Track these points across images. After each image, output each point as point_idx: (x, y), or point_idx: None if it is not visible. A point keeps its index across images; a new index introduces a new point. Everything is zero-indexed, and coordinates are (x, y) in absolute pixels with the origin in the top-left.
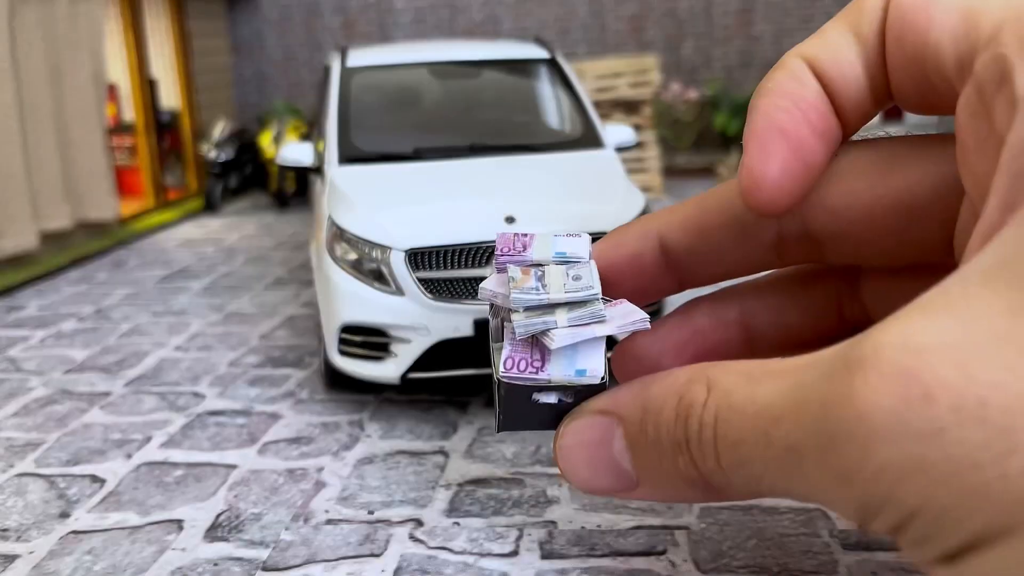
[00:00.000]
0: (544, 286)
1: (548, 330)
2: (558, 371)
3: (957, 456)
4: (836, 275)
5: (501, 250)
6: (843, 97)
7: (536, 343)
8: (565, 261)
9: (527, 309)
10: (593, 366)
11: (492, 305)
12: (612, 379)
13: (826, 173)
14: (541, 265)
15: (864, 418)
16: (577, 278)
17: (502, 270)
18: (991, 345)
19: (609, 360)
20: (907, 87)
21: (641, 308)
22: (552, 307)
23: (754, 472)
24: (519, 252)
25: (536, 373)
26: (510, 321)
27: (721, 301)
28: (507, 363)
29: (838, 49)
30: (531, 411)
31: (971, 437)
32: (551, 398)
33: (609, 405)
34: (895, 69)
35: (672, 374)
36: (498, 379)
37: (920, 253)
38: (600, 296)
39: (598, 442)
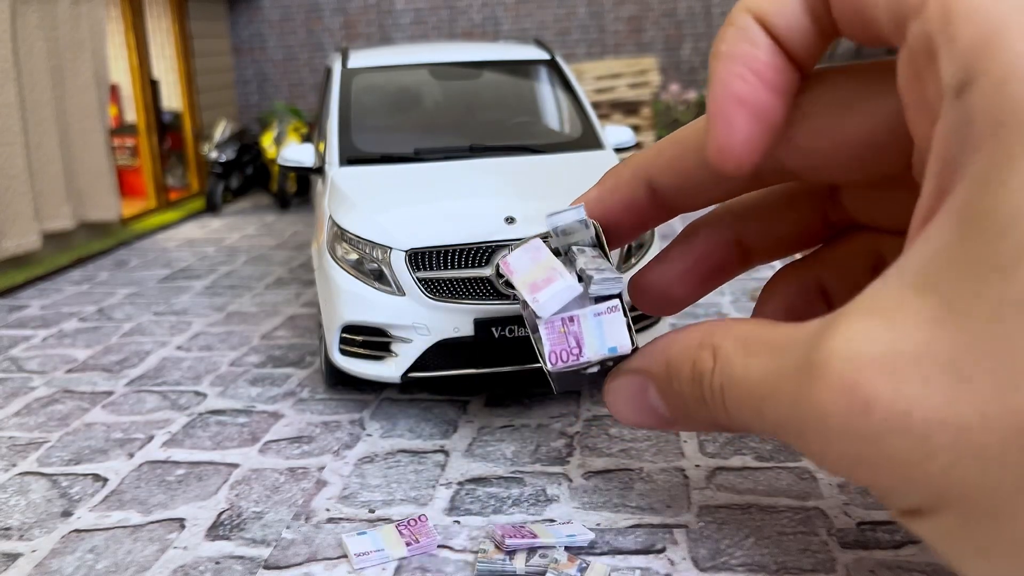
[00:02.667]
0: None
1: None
2: (594, 352)
3: (892, 456)
4: (817, 189)
5: (557, 357)
6: (792, 43)
7: (568, 333)
8: (601, 298)
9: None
10: (621, 341)
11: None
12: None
13: (793, 113)
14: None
15: (822, 420)
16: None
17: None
18: (914, 358)
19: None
20: (854, 30)
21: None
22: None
23: (755, 428)
24: (574, 354)
25: (577, 359)
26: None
27: (716, 225)
28: (551, 357)
29: (783, 4)
30: (579, 379)
31: (900, 443)
32: (594, 368)
33: (641, 365)
34: (840, 15)
35: (686, 336)
36: (548, 371)
37: (886, 171)
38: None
39: (637, 393)
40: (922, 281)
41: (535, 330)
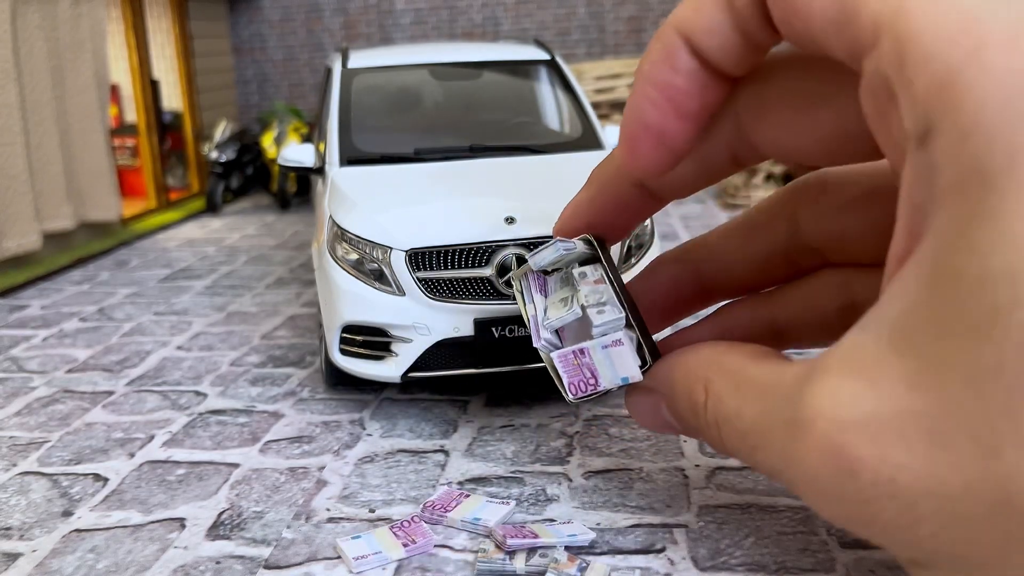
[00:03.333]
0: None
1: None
2: (609, 382)
3: (882, 518)
4: (781, 228)
5: (576, 388)
6: (720, 60)
7: (581, 365)
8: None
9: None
10: (631, 372)
11: (521, 295)
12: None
13: (758, 103)
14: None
15: (812, 481)
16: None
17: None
18: (896, 423)
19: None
20: (807, 47)
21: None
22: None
23: (753, 468)
24: (591, 384)
25: (595, 388)
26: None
27: (678, 262)
28: (571, 388)
29: (712, 26)
30: (596, 394)
31: (888, 506)
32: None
33: (652, 385)
34: (790, 35)
35: (686, 363)
36: (569, 400)
37: (856, 160)
38: (622, 318)
39: (652, 408)
40: (899, 338)
41: (552, 365)
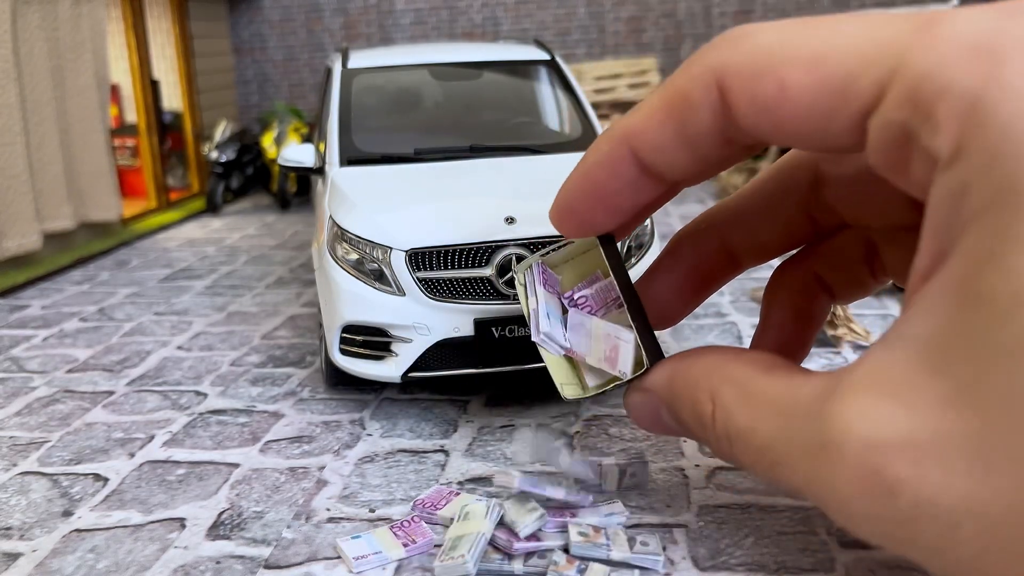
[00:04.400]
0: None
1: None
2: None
3: (922, 539)
4: (800, 190)
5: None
6: (666, 174)
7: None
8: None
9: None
10: (625, 370)
11: (524, 288)
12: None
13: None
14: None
15: (845, 503)
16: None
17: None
18: (934, 444)
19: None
20: (782, 143)
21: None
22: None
23: (768, 482)
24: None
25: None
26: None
27: (701, 235)
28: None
29: (660, 145)
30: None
31: (929, 528)
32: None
33: (652, 386)
34: (764, 134)
35: (688, 369)
36: (565, 398)
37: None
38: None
39: (651, 411)
40: (932, 358)
41: (550, 360)
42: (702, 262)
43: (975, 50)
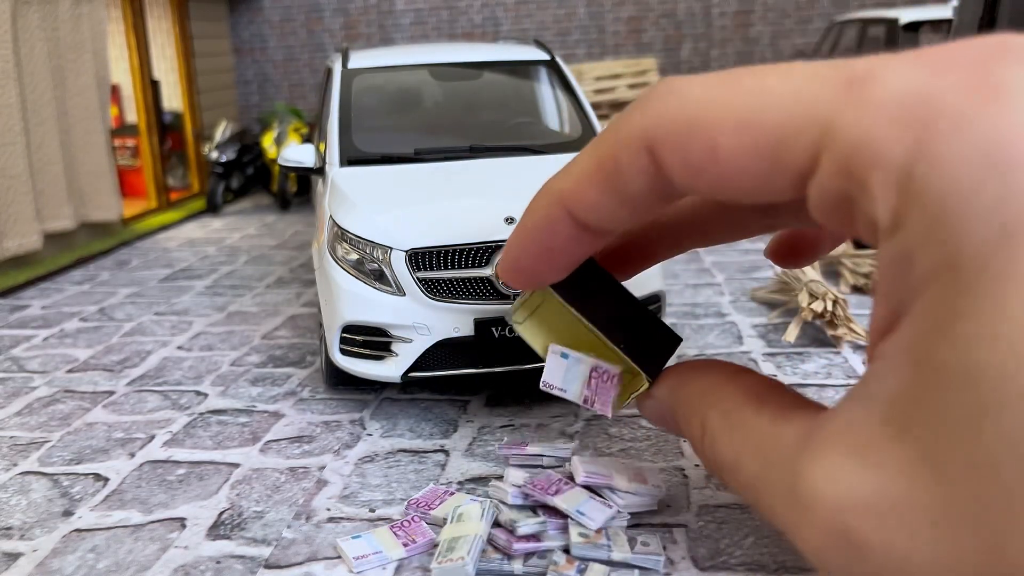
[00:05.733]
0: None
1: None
2: (601, 405)
3: None
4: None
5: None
6: (604, 228)
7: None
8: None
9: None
10: (607, 409)
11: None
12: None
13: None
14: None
15: (818, 555)
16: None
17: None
18: (899, 509)
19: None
20: (724, 199)
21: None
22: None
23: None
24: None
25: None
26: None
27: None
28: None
29: (595, 206)
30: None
31: None
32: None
33: (660, 395)
34: (703, 192)
35: (689, 387)
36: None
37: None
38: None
39: (661, 414)
40: (894, 422)
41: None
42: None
43: (903, 117)
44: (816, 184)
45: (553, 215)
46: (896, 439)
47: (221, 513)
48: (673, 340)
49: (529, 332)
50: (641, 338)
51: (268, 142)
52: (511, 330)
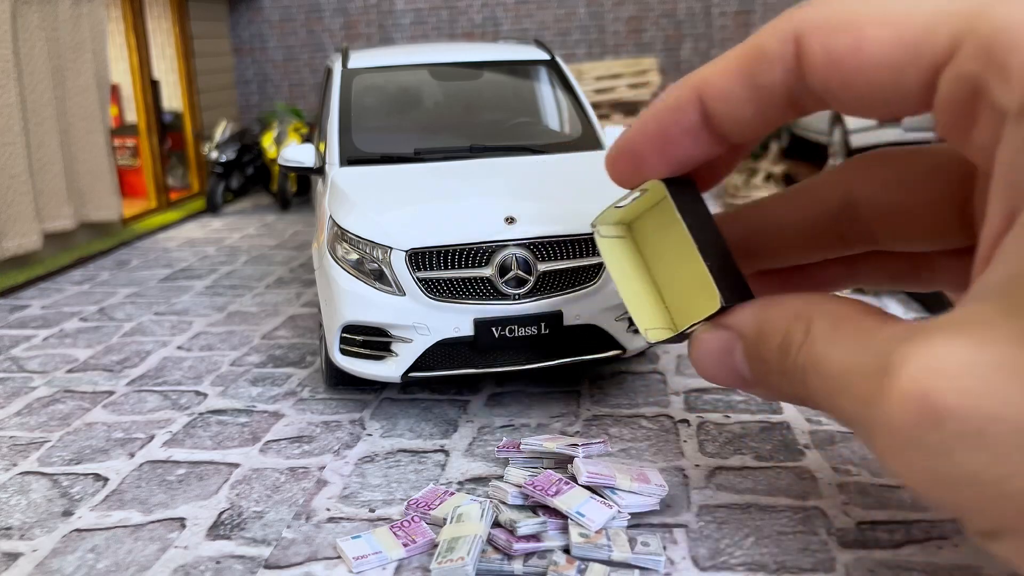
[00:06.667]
0: None
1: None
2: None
3: (963, 474)
4: (830, 204)
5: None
6: (725, 126)
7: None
8: None
9: None
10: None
11: (608, 252)
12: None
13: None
14: None
15: (890, 429)
16: None
17: None
18: (995, 376)
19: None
20: (844, 103)
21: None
22: None
23: (830, 415)
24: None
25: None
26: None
27: (728, 221)
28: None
29: (728, 94)
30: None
31: (975, 459)
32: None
33: (733, 323)
34: (831, 91)
35: (783, 304)
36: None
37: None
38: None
39: (721, 351)
40: (1005, 302)
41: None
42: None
43: None
44: (949, 72)
45: (683, 98)
46: (1006, 315)
47: (221, 513)
48: (748, 292)
49: (608, 249)
50: (725, 271)
51: (268, 142)
52: (511, 330)
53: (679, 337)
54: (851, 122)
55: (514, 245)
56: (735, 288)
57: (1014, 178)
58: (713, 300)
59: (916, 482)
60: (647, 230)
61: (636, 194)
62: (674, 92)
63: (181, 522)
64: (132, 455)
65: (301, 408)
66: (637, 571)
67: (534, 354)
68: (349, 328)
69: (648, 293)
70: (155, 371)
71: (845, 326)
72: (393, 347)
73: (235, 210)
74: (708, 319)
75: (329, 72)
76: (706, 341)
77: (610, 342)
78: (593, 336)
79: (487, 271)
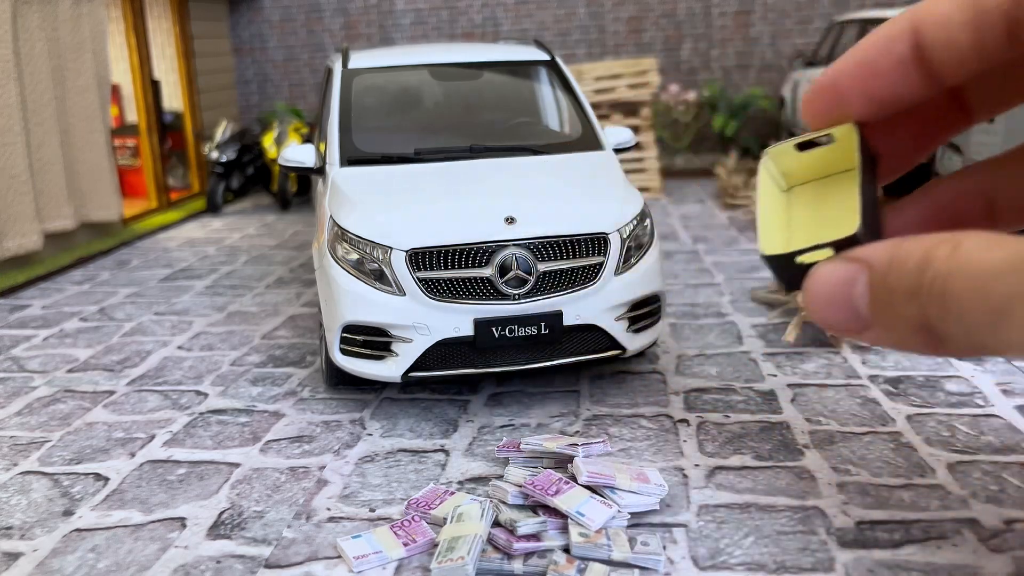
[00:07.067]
0: None
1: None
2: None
3: None
4: None
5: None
6: (937, 58)
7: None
8: None
9: None
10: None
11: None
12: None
13: None
14: None
15: None
16: None
17: None
18: None
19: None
20: None
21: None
22: None
23: (971, 325)
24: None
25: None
26: None
27: (962, 176)
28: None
29: (946, 19)
30: (795, 273)
31: None
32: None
33: (861, 253)
34: None
35: (927, 235)
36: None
37: None
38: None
39: (841, 282)
40: None
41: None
42: (952, 200)
43: None
44: None
45: (896, 28)
46: None
47: (221, 513)
48: (877, 231)
49: (765, 179)
50: (875, 220)
51: (268, 142)
52: (511, 330)
53: (792, 266)
54: None
55: (514, 245)
56: (872, 222)
57: None
58: (850, 224)
59: None
60: (803, 199)
61: (821, 135)
62: (886, 25)
63: (181, 522)
64: (133, 455)
65: (301, 408)
66: (637, 571)
67: (534, 354)
68: (349, 328)
69: (783, 229)
70: (155, 371)
71: (1005, 239)
72: (393, 347)
73: (235, 210)
74: (837, 250)
75: (329, 72)
76: (826, 273)
77: (610, 342)
78: (593, 336)
79: (487, 271)
